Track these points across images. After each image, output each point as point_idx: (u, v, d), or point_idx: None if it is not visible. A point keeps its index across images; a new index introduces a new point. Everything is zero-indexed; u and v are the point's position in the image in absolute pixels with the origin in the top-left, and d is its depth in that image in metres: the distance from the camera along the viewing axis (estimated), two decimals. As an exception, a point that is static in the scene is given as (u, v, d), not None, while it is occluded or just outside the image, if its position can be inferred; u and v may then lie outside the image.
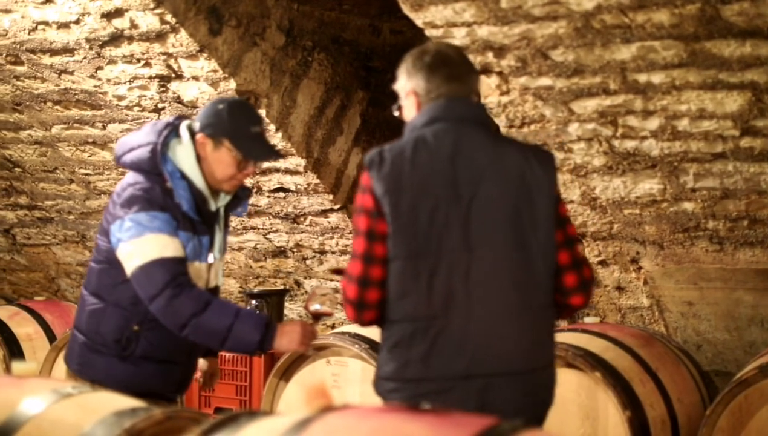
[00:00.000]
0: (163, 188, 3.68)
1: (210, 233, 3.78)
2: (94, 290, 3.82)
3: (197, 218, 3.71)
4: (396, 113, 3.32)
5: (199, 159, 3.73)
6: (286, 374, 5.19)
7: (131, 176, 3.76)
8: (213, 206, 3.79)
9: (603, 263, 5.41)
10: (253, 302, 5.83)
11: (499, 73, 4.49)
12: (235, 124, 3.70)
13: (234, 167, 3.71)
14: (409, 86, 3.22)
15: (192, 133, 3.76)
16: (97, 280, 3.82)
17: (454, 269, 3.06)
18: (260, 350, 3.63)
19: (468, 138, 3.13)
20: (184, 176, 3.70)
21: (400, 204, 3.06)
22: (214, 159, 3.71)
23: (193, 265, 3.71)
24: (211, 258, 3.80)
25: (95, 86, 5.69)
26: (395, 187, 3.06)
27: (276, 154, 3.87)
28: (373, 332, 5.19)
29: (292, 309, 6.77)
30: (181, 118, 3.85)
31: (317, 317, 3.69)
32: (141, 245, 3.60)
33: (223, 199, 3.85)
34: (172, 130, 3.77)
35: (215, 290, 3.90)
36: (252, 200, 6.26)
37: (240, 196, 3.92)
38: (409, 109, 3.24)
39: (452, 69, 3.20)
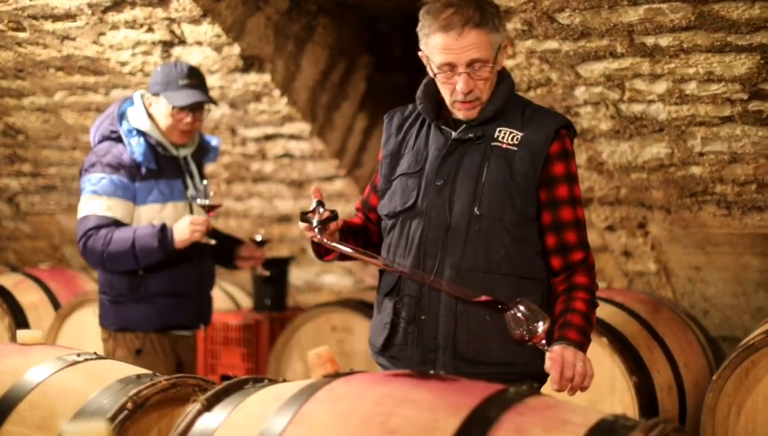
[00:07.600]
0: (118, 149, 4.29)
1: (181, 177, 4.39)
2: None
3: (155, 167, 4.30)
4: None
5: (152, 116, 4.35)
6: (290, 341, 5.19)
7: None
8: (175, 153, 4.40)
9: (610, 228, 5.38)
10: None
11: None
12: (166, 80, 4.32)
13: (170, 117, 4.31)
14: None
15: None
16: None
17: None
18: (165, 251, 4.21)
19: None
20: (140, 133, 4.31)
21: None
22: (156, 113, 4.34)
23: (167, 206, 4.31)
24: (187, 198, 4.38)
25: (98, 52, 5.65)
26: None
27: (201, 101, 4.32)
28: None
29: (299, 276, 6.76)
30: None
31: (210, 209, 4.28)
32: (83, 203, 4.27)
33: (189, 149, 4.45)
34: (126, 100, 4.42)
35: (214, 234, 4.37)
36: (256, 167, 6.23)
37: (206, 146, 4.56)
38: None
39: None
